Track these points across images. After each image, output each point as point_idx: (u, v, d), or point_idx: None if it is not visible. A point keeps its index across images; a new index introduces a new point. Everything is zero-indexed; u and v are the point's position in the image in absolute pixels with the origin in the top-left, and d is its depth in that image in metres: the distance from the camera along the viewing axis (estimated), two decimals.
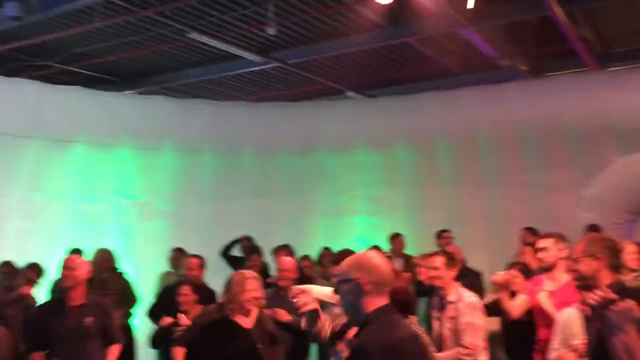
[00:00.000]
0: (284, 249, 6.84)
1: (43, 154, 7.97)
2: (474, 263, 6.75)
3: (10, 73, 9.02)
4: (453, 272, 4.21)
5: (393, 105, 9.37)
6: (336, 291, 2.56)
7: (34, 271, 5.87)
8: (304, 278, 6.36)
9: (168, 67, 10.33)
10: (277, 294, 5.22)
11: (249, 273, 4.09)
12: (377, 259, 2.43)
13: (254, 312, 4.04)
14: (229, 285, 4.02)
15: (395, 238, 7.72)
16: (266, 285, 5.46)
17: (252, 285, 3.98)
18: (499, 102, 8.56)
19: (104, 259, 6.53)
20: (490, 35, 8.49)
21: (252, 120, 9.31)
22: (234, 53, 9.23)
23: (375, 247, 6.45)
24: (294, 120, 9.47)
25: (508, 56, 9.12)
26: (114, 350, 4.46)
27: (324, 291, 4.65)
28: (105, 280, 6.27)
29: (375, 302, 2.34)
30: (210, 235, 8.04)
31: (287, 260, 5.39)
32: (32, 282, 5.84)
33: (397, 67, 10.40)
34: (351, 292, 2.38)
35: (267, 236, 7.73)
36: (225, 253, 7.93)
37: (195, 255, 5.95)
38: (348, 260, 2.48)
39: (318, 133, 9.33)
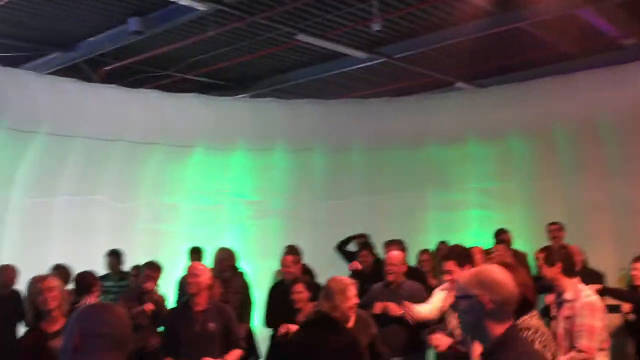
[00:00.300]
0: (395, 244, 6.79)
1: (166, 160, 8.50)
2: (598, 259, 6.36)
3: (134, 84, 9.70)
4: (556, 269, 3.96)
5: (505, 93, 9.04)
6: (453, 306, 2.41)
7: (153, 268, 6.13)
8: (416, 272, 6.32)
9: (277, 69, 10.61)
10: (385, 288, 5.23)
11: (348, 280, 4.07)
12: (500, 275, 2.18)
13: (353, 316, 4.10)
14: (330, 294, 3.94)
15: (502, 234, 7.41)
16: (377, 280, 5.50)
17: (352, 292, 3.97)
18: (623, 83, 7.99)
19: (225, 257, 6.72)
20: (611, 13, 7.95)
21: (361, 117, 9.36)
22: (340, 51, 9.32)
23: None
24: (402, 114, 9.40)
25: (632, 35, 8.49)
26: (235, 354, 4.54)
27: (425, 310, 4.57)
28: (227, 279, 6.50)
29: (501, 325, 2.11)
30: (323, 232, 8.20)
31: (395, 255, 5.36)
32: (153, 278, 6.05)
33: (508, 54, 10.00)
34: (470, 310, 2.15)
35: (380, 232, 7.74)
36: (341, 247, 8.00)
37: (289, 252, 5.99)
38: (468, 275, 2.26)
39: (428, 126, 9.21)
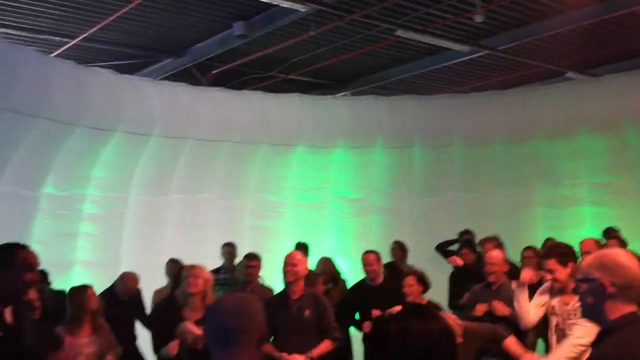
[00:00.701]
0: (491, 241, 6.55)
1: (269, 159, 8.77)
2: None
3: (239, 86, 10.08)
4: None
5: (619, 82, 8.49)
6: (574, 290, 2.35)
7: (251, 258, 6.29)
8: (518, 272, 6.08)
9: (377, 66, 10.62)
10: (486, 288, 5.09)
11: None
12: (624, 258, 2.14)
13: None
14: None
15: (611, 232, 6.93)
16: (479, 280, 5.37)
17: None
18: None
19: (325, 269, 6.79)
20: None
21: (463, 112, 9.16)
22: (441, 45, 9.17)
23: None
24: (507, 108, 9.09)
25: None
26: (326, 344, 4.61)
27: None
28: (327, 290, 6.47)
29: (621, 308, 2.07)
30: (422, 229, 8.13)
31: (495, 254, 5.19)
32: (252, 268, 6.13)
33: (621, 41, 9.37)
34: (591, 292, 2.13)
35: (481, 230, 7.53)
36: (441, 248, 7.84)
37: (370, 251, 5.96)
38: (590, 258, 2.23)
39: (535, 120, 8.84)
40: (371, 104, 9.26)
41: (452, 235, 7.75)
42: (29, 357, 1.58)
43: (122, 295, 6.16)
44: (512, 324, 4.65)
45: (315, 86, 11.31)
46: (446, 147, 9.08)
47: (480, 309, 4.90)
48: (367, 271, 5.87)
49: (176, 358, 4.30)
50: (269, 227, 8.79)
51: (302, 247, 7.70)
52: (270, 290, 6.28)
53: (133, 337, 6.23)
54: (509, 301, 4.68)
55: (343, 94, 11.27)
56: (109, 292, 6.16)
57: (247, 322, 2.04)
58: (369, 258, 5.86)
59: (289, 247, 7.82)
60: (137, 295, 6.41)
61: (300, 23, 8.37)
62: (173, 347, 4.27)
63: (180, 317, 4.34)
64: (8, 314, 2.95)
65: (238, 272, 7.12)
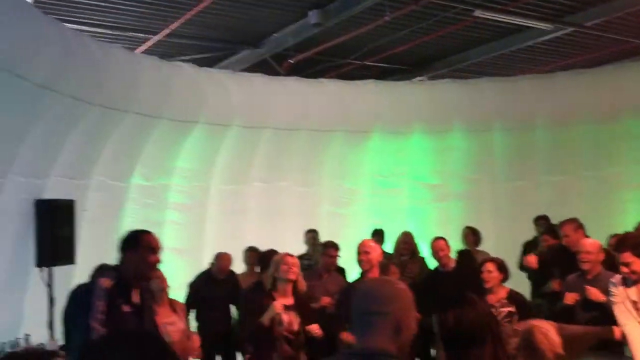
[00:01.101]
0: (571, 223, 6.21)
1: (346, 146, 8.81)
2: None
3: (315, 75, 10.14)
4: None
5: None
6: None
7: (333, 249, 6.37)
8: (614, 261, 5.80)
9: (455, 48, 10.37)
10: (580, 278, 4.87)
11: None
12: None
13: None
14: None
15: None
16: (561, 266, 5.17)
17: None
18: None
19: (405, 241, 6.86)
20: None
21: (547, 92, 8.83)
22: (522, 24, 8.84)
23: None
24: (594, 86, 8.68)
25: None
26: None
27: None
28: (404, 263, 6.61)
29: None
30: (504, 215, 7.93)
31: (590, 242, 4.90)
32: (332, 257, 6.26)
33: None
34: None
35: (567, 214, 7.24)
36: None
37: (439, 237, 5.90)
38: None
39: (626, 98, 8.40)
40: (449, 88, 9.09)
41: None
42: (153, 336, 1.70)
43: (218, 274, 6.43)
44: (607, 312, 4.45)
45: (392, 72, 11.20)
46: (528, 130, 8.79)
47: (571, 297, 4.71)
48: (437, 258, 5.83)
49: (271, 341, 4.40)
50: (346, 214, 8.86)
51: (378, 234, 7.72)
52: (344, 278, 6.35)
53: (229, 317, 6.48)
54: (606, 293, 4.46)
55: (420, 78, 11.11)
56: (205, 274, 6.47)
57: (386, 305, 2.00)
58: (439, 244, 5.83)
59: (366, 234, 7.86)
60: (231, 275, 6.68)
61: (375, 9, 8.31)
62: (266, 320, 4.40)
63: (270, 302, 4.48)
64: (135, 295, 3.25)
65: (315, 258, 7.24)
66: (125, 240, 3.32)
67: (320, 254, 6.05)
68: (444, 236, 5.99)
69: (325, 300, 5.30)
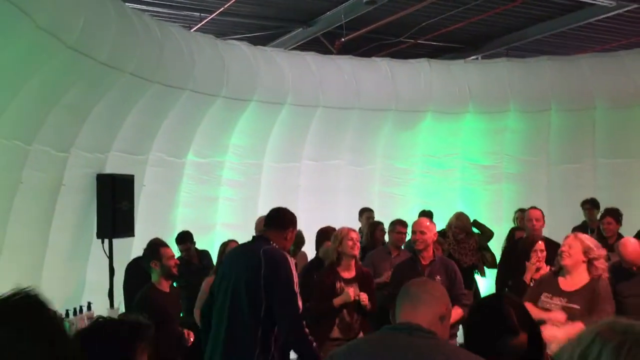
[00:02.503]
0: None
1: (398, 125, 8.77)
2: None
3: (366, 53, 10.08)
4: None
5: None
6: None
7: (403, 226, 6.42)
8: None
9: (512, 26, 10.11)
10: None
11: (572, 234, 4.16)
12: None
13: None
14: None
15: None
16: None
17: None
18: None
19: (457, 225, 6.82)
20: None
21: (607, 71, 8.54)
22: (583, 1, 8.54)
23: None
24: None
25: None
26: (457, 311, 4.54)
27: None
28: (460, 241, 6.61)
29: None
30: (559, 197, 7.77)
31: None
32: (400, 234, 6.33)
33: None
34: None
35: (626, 197, 7.09)
36: None
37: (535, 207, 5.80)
38: None
39: None
40: (504, 67, 8.90)
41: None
42: None
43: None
44: None
45: (446, 50, 11.02)
46: (586, 110, 8.53)
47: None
48: (530, 227, 5.73)
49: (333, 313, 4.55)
50: (397, 194, 8.86)
51: (426, 215, 7.68)
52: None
53: None
54: None
55: (474, 57, 10.90)
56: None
57: (436, 292, 2.27)
58: (536, 213, 5.75)
59: (417, 214, 7.85)
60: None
61: None
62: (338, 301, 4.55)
63: (335, 276, 4.66)
64: None
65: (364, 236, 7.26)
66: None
67: (389, 231, 6.16)
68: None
69: (389, 274, 5.37)
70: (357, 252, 4.67)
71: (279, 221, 3.84)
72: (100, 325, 1.97)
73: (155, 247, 4.61)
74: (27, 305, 1.41)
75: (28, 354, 1.33)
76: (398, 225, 6.21)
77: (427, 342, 2.04)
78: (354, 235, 4.70)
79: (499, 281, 6.05)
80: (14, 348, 1.32)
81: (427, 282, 2.42)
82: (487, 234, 7.00)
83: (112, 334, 1.91)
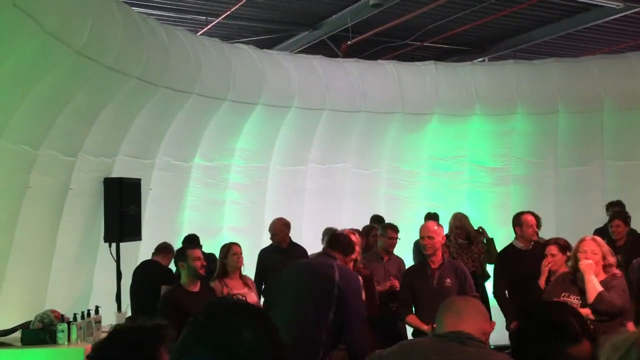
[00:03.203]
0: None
1: (404, 128, 8.75)
2: None
3: (373, 56, 10.08)
4: None
5: None
6: None
7: (394, 231, 6.36)
8: None
9: (519, 29, 10.09)
10: None
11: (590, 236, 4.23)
12: None
13: None
14: None
15: None
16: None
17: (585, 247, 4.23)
18: None
19: (457, 222, 6.79)
20: None
21: (614, 73, 8.50)
22: (590, 2, 8.51)
23: None
24: None
25: None
26: None
27: None
28: (461, 246, 6.57)
29: None
30: (569, 199, 7.73)
31: None
32: (392, 239, 6.29)
33: None
34: None
35: (635, 200, 7.03)
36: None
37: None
38: None
39: None
40: (511, 69, 8.86)
41: (601, 206, 7.27)
42: None
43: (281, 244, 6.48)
44: None
45: (452, 52, 11.00)
46: (594, 113, 8.49)
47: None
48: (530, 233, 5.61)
49: None
50: (404, 196, 8.83)
51: (432, 218, 7.64)
52: (402, 260, 6.38)
53: None
54: None
55: (481, 59, 10.88)
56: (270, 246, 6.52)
57: (474, 307, 2.41)
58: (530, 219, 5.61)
59: (422, 217, 7.83)
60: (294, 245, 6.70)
61: None
62: None
63: None
64: None
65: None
66: None
67: (379, 235, 6.06)
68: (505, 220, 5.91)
69: (395, 282, 5.34)
70: (355, 255, 4.64)
71: (345, 248, 4.22)
72: (119, 333, 1.98)
73: (182, 248, 4.84)
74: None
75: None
76: (389, 230, 6.10)
77: (479, 350, 2.10)
78: (354, 240, 4.72)
79: (497, 286, 5.95)
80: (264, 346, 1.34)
81: (470, 298, 2.56)
82: (493, 255, 6.88)
83: (136, 341, 1.92)
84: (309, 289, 4.05)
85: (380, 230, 6.15)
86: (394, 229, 6.08)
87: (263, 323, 1.36)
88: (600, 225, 7.03)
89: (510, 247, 5.66)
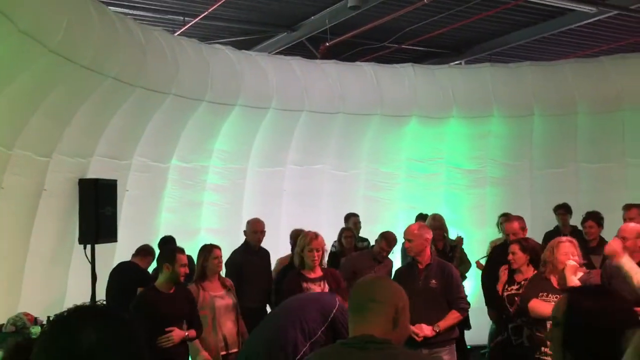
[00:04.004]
0: (635, 208, 6.10)
1: (382, 130, 8.78)
2: None
3: (351, 58, 10.10)
4: None
5: None
6: None
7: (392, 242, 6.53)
8: None
9: (495, 32, 10.21)
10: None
11: (565, 237, 4.31)
12: None
13: None
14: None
15: None
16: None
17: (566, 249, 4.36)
18: None
19: (436, 222, 6.83)
20: None
21: (589, 77, 8.63)
22: (564, 7, 8.64)
23: None
24: (639, 72, 8.46)
25: None
26: (453, 315, 4.66)
27: None
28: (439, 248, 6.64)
29: None
30: (544, 202, 7.81)
31: (630, 227, 4.81)
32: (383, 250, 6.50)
33: None
34: None
35: (608, 202, 7.14)
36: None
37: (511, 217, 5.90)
38: None
39: None
40: (488, 72, 8.95)
41: (575, 208, 7.38)
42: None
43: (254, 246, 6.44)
44: None
45: (429, 55, 11.09)
46: (569, 115, 8.62)
47: None
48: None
49: None
50: (382, 198, 8.86)
51: (422, 219, 7.68)
52: (391, 262, 6.59)
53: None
54: None
55: (458, 62, 10.97)
56: (244, 246, 6.49)
57: (381, 296, 2.07)
58: (513, 227, 5.76)
59: (402, 219, 7.88)
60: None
61: None
62: None
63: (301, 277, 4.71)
64: None
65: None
66: None
67: (375, 240, 6.39)
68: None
69: None
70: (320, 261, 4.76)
71: None
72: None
73: (173, 251, 4.77)
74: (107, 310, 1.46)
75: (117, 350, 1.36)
76: (384, 242, 6.37)
77: (381, 354, 1.91)
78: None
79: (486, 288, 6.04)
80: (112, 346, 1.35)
81: (371, 285, 2.14)
82: (466, 266, 7.01)
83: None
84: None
85: (377, 237, 6.41)
86: (390, 243, 6.25)
87: (110, 324, 1.38)
88: (551, 228, 7.20)
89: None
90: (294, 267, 4.97)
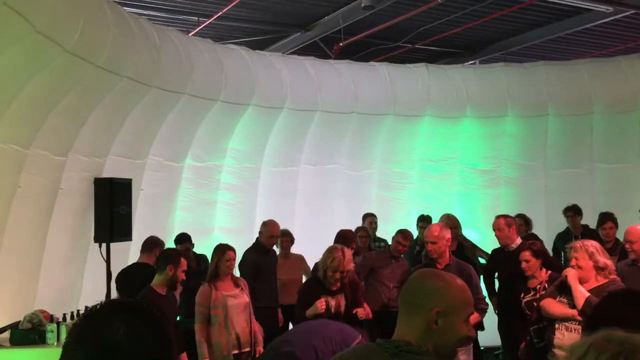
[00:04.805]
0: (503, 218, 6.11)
1: (396, 130, 8.77)
2: None
3: (365, 58, 10.10)
4: None
5: None
6: None
7: (407, 239, 6.55)
8: None
9: (510, 32, 10.16)
10: (632, 266, 4.80)
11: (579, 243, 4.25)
12: None
13: None
14: None
15: None
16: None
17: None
18: None
19: (450, 222, 6.83)
20: None
21: (605, 76, 8.55)
22: (580, 6, 8.57)
23: None
24: None
25: None
26: (473, 315, 4.66)
27: None
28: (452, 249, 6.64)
29: None
30: (559, 202, 7.75)
31: (637, 230, 4.82)
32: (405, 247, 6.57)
33: None
34: None
35: (625, 203, 7.09)
36: None
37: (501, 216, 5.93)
38: None
39: None
40: (502, 72, 8.91)
41: (590, 209, 7.33)
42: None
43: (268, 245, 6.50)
44: None
45: (443, 55, 11.05)
46: (584, 115, 8.55)
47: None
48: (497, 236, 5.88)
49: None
50: (395, 198, 8.86)
51: (425, 220, 7.67)
52: (408, 263, 6.64)
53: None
54: None
55: (472, 62, 10.93)
56: (257, 246, 6.54)
57: (419, 298, 1.88)
58: (499, 223, 5.86)
59: (415, 218, 7.86)
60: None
61: None
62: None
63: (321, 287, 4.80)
64: None
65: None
66: None
67: (392, 237, 6.49)
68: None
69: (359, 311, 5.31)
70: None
71: None
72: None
73: (178, 255, 4.86)
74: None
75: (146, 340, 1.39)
76: (400, 236, 6.43)
77: None
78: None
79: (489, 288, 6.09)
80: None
81: (418, 279, 1.94)
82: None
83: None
84: None
85: (395, 234, 6.47)
86: (407, 237, 6.31)
87: (140, 317, 1.42)
88: (561, 229, 7.15)
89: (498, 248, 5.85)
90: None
